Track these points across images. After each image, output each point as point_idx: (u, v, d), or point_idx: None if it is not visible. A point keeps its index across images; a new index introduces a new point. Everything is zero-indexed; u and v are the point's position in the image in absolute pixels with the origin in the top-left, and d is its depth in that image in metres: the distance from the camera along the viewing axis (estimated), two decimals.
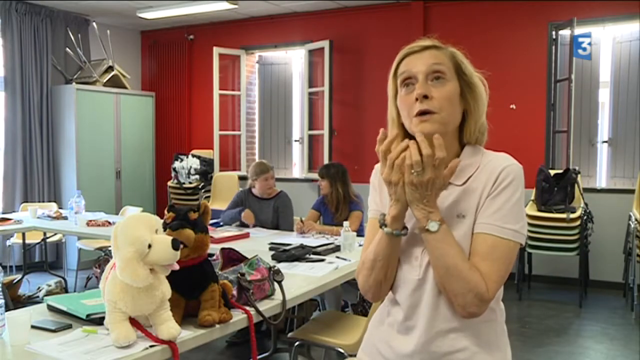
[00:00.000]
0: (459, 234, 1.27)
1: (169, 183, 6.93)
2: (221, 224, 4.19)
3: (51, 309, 1.93)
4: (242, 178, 6.76)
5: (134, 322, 1.58)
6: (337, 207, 4.16)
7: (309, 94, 6.69)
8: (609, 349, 3.90)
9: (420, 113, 1.27)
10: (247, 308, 1.90)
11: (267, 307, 2.00)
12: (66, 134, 6.43)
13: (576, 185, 5.02)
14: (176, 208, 1.75)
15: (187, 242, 1.67)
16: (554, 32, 5.52)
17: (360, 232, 3.78)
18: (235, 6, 6.27)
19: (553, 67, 5.55)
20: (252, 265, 2.06)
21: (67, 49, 6.53)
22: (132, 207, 5.56)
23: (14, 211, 5.74)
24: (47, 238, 5.46)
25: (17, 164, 6.25)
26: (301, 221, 3.96)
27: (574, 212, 4.81)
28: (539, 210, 4.96)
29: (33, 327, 1.68)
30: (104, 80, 6.60)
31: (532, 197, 5.12)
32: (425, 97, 1.26)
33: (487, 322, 1.31)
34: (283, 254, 2.86)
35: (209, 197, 6.65)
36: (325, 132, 6.42)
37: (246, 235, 3.76)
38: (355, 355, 1.58)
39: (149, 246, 1.49)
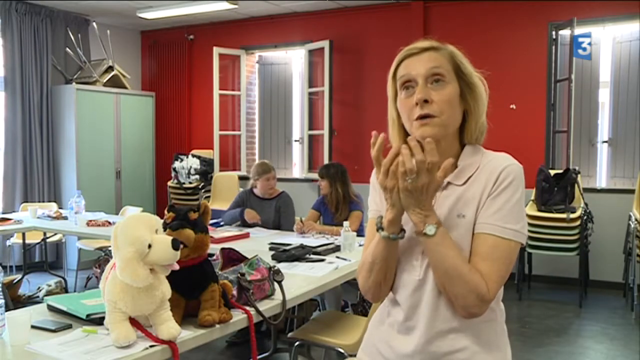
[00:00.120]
0: (459, 234, 1.27)
1: (169, 183, 6.93)
2: (221, 223, 4.20)
3: (51, 309, 1.93)
4: (242, 178, 6.77)
5: (134, 322, 1.57)
6: (337, 207, 4.16)
7: (309, 94, 6.69)
8: (609, 349, 3.90)
9: (421, 117, 1.27)
10: (247, 308, 1.90)
11: (267, 307, 2.00)
12: (66, 134, 6.43)
13: (576, 185, 5.02)
14: (176, 208, 1.75)
15: (187, 242, 1.67)
16: (554, 32, 5.52)
17: (360, 232, 3.78)
18: (235, 6, 6.27)
19: (553, 67, 5.55)
20: (252, 265, 2.06)
21: (67, 49, 6.53)
22: (132, 207, 5.56)
23: (14, 211, 5.74)
24: (47, 238, 5.46)
25: (17, 164, 6.25)
26: (301, 221, 3.96)
27: (574, 212, 4.81)
28: (539, 210, 4.96)
29: (33, 327, 1.68)
30: (104, 80, 6.60)
31: (532, 197, 5.12)
32: (426, 101, 1.27)
33: (487, 322, 1.31)
34: (283, 254, 2.86)
35: (209, 197, 6.65)
36: (325, 132, 6.42)
37: (246, 235, 3.76)
38: (355, 355, 1.58)
39: (149, 246, 1.49)
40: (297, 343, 2.76)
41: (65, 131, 6.43)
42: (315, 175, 4.91)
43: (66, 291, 4.91)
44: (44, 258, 6.07)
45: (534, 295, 5.27)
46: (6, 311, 1.68)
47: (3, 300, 1.65)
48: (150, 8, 6.40)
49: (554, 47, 5.54)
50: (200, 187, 6.76)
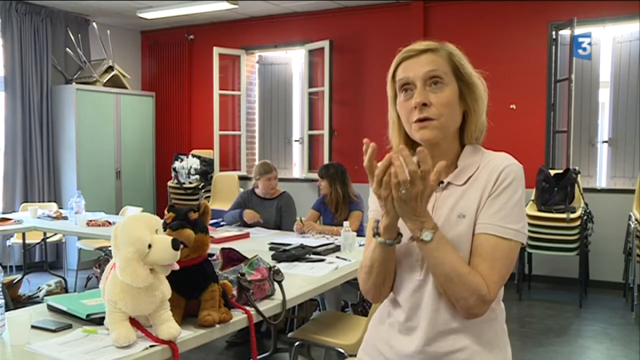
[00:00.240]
0: (459, 234, 1.27)
1: (169, 183, 6.93)
2: (222, 223, 4.20)
3: (51, 309, 1.93)
4: (242, 178, 6.77)
5: (134, 322, 1.57)
6: (337, 207, 4.16)
7: (309, 94, 6.69)
8: (609, 349, 3.90)
9: (420, 120, 1.27)
10: (247, 308, 1.90)
11: (267, 307, 2.00)
12: (66, 134, 6.43)
13: (576, 185, 5.02)
14: (176, 208, 1.75)
15: (187, 242, 1.67)
16: (554, 32, 5.52)
17: (360, 232, 3.78)
18: (235, 6, 6.26)
19: (553, 67, 5.55)
20: (252, 265, 2.06)
21: (67, 49, 6.53)
22: (132, 207, 5.56)
23: (14, 211, 5.74)
24: (47, 238, 5.46)
25: (17, 164, 6.24)
26: (301, 221, 3.96)
27: (574, 212, 4.81)
28: (539, 210, 4.96)
29: (33, 327, 1.68)
30: (104, 80, 6.60)
31: (532, 197, 5.12)
32: (424, 104, 1.27)
33: (487, 321, 1.31)
34: (283, 254, 2.86)
35: (209, 197, 6.65)
36: (325, 132, 6.42)
37: (246, 235, 3.76)
38: (355, 355, 1.58)
39: (149, 246, 1.49)
40: (297, 343, 2.76)
41: (65, 131, 6.43)
42: (315, 175, 4.91)
43: (66, 291, 4.90)
44: (44, 258, 6.07)
45: (534, 295, 5.27)
46: (6, 311, 1.68)
47: (3, 300, 1.65)
48: (150, 8, 6.40)
49: (554, 47, 5.54)
50: (200, 187, 6.76)
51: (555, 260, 5.34)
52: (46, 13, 6.41)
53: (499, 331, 1.35)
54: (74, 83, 6.43)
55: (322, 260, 2.89)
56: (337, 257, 2.99)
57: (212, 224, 3.97)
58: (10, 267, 5.75)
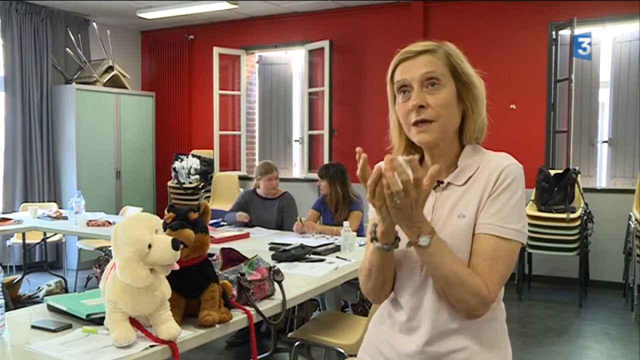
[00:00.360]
0: (459, 234, 1.27)
1: (169, 183, 6.93)
2: (222, 223, 4.20)
3: (51, 309, 1.93)
4: (242, 178, 6.77)
5: (134, 322, 1.57)
6: (337, 207, 4.16)
7: (309, 94, 6.69)
8: (609, 349, 3.90)
9: (418, 122, 1.27)
10: (247, 308, 1.90)
11: (267, 307, 2.00)
12: (66, 134, 6.43)
13: (576, 185, 5.02)
14: (176, 208, 1.75)
15: (187, 242, 1.67)
16: (554, 32, 5.52)
17: (360, 232, 3.78)
18: (235, 6, 6.26)
19: (553, 67, 5.55)
20: (252, 265, 2.06)
21: (67, 49, 6.53)
22: (132, 207, 5.56)
23: (14, 211, 5.74)
24: (47, 238, 5.46)
25: (17, 164, 6.24)
26: (300, 221, 3.96)
27: (574, 212, 4.81)
28: (539, 210, 4.96)
29: (33, 327, 1.68)
30: (104, 80, 6.60)
31: (532, 197, 5.12)
32: (421, 106, 1.27)
33: (488, 321, 1.31)
34: (283, 254, 2.86)
35: (209, 197, 6.65)
36: (325, 132, 6.42)
37: (246, 235, 3.76)
38: (355, 355, 1.58)
39: (149, 246, 1.49)
40: (297, 343, 2.76)
41: (65, 131, 6.43)
42: (315, 175, 4.91)
43: (66, 291, 4.90)
44: (44, 258, 6.07)
45: (534, 295, 5.27)
46: (6, 311, 1.68)
47: (3, 300, 1.65)
48: (150, 8, 6.40)
49: (554, 47, 5.54)
50: (200, 187, 6.76)
51: (555, 260, 5.34)
52: (46, 13, 6.41)
53: (499, 331, 1.35)
54: (74, 83, 6.43)
55: (322, 260, 2.89)
56: (337, 257, 2.99)
57: (212, 224, 3.97)
58: (10, 267, 5.75)
